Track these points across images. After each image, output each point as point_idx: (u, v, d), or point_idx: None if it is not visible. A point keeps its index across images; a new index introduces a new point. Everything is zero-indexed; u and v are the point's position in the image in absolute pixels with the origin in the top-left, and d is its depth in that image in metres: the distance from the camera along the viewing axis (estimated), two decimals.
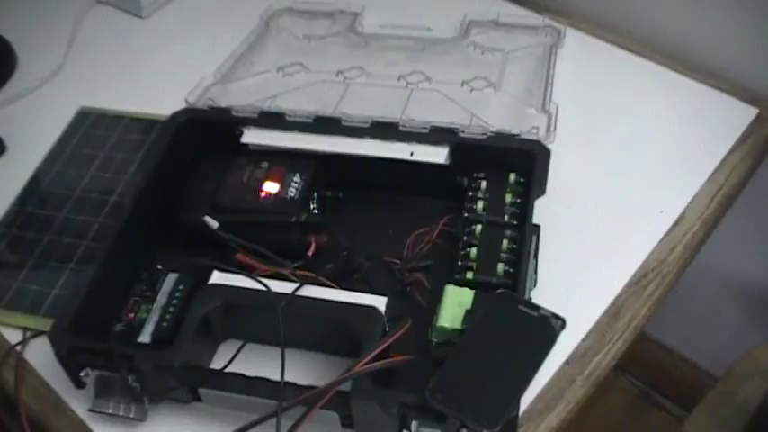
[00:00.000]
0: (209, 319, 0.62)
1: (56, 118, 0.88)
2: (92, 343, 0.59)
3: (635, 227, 0.72)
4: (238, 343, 0.63)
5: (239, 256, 0.66)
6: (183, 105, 0.76)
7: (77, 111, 0.89)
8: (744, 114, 0.81)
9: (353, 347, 0.57)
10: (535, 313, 0.57)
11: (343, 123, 0.72)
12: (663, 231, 0.71)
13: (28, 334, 0.68)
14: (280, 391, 0.55)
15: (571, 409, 0.61)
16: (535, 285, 0.65)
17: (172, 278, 0.66)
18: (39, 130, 0.88)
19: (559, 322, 0.56)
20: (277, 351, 0.57)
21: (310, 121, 0.72)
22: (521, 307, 0.57)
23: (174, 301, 0.65)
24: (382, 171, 0.70)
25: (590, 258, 0.69)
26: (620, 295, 0.67)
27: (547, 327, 0.56)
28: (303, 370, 0.61)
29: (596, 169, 0.77)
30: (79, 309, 0.61)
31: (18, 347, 0.67)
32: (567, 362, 0.63)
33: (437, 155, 0.68)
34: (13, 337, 0.69)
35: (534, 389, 0.61)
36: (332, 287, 0.63)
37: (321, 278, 0.63)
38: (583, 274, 0.68)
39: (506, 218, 0.66)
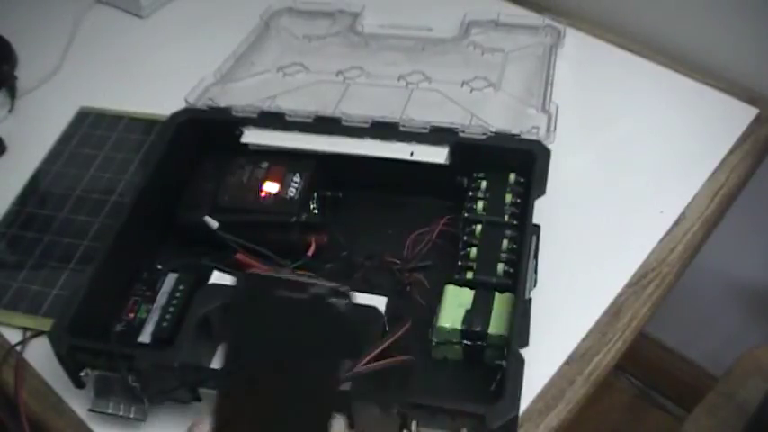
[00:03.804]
0: (209, 319, 0.62)
1: (56, 118, 0.88)
2: (92, 343, 0.59)
3: (635, 227, 0.72)
4: None
5: (239, 256, 0.66)
6: (183, 105, 0.76)
7: (77, 111, 0.89)
8: (743, 114, 0.81)
9: (353, 347, 0.57)
10: (304, 295, 0.42)
11: (343, 123, 0.72)
12: (663, 231, 0.71)
13: (28, 334, 0.68)
14: None
15: (571, 409, 0.61)
16: (535, 285, 0.65)
17: (172, 278, 0.66)
18: (39, 130, 0.88)
19: (343, 301, 0.41)
20: None
21: (310, 121, 0.72)
22: (280, 292, 0.42)
23: (174, 301, 0.65)
24: (382, 171, 0.70)
25: (590, 258, 0.69)
26: (620, 295, 0.67)
27: (326, 310, 0.41)
28: None
29: (596, 169, 0.77)
30: (79, 309, 0.61)
31: (18, 347, 0.67)
32: (566, 362, 0.63)
33: (437, 155, 0.68)
34: (13, 337, 0.69)
35: (534, 389, 0.61)
36: None
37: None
38: (583, 274, 0.68)
39: (506, 218, 0.66)
